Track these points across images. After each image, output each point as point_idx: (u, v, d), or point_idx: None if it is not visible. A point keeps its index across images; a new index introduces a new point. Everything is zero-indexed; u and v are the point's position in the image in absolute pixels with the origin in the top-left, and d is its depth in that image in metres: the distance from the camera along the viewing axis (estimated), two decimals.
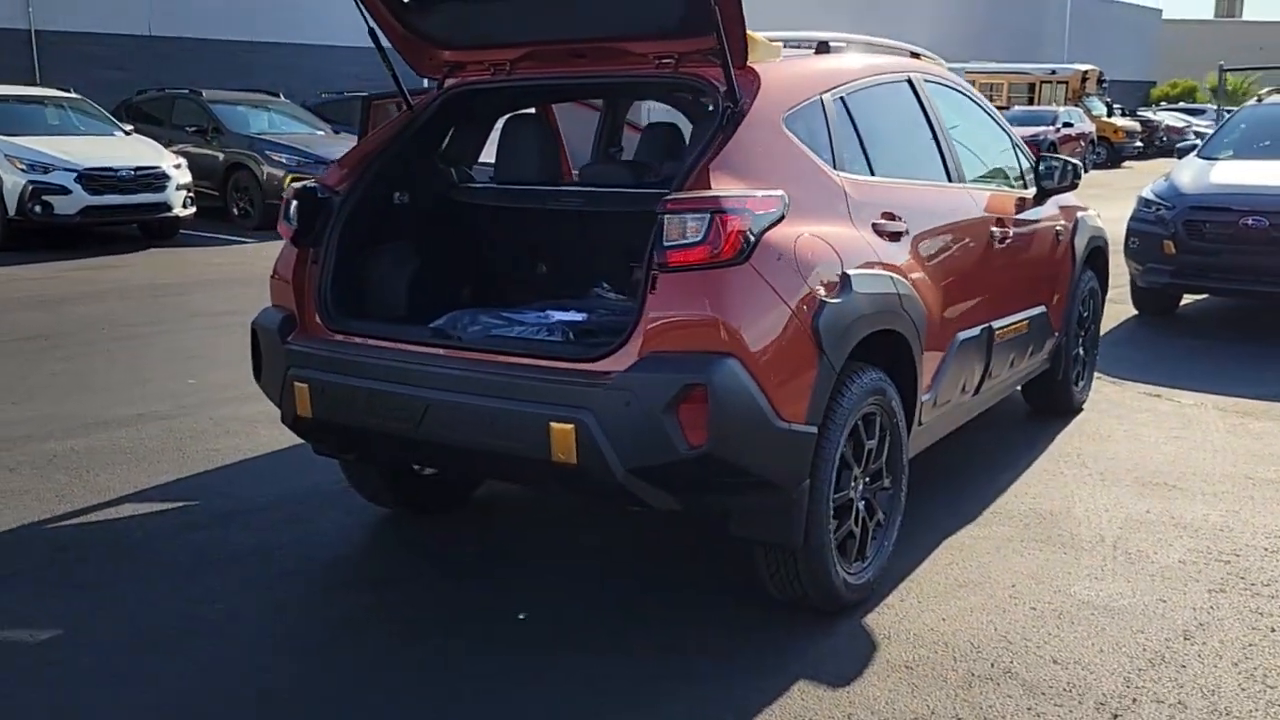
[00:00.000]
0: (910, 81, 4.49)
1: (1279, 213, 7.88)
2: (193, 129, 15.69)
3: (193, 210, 13.57)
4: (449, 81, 4.20)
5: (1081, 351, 6.06)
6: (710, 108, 3.76)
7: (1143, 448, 5.53)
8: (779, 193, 3.29)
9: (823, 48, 4.20)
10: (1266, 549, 4.22)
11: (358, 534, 4.52)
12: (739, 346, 3.10)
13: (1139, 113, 38.35)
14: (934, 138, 4.50)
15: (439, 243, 4.30)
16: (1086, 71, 32.79)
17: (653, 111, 5.76)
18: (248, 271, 11.43)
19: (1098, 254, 6.10)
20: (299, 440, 5.55)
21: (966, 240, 4.44)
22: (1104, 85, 34.56)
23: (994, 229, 4.66)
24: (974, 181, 4.76)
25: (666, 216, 3.12)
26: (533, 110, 4.64)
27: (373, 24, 4.04)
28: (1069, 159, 5.37)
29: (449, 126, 4.27)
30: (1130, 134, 32.19)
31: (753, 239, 3.15)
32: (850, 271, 3.44)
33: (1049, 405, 5.98)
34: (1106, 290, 6.41)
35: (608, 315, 3.91)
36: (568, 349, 3.40)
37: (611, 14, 3.71)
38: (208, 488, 4.97)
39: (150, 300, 9.69)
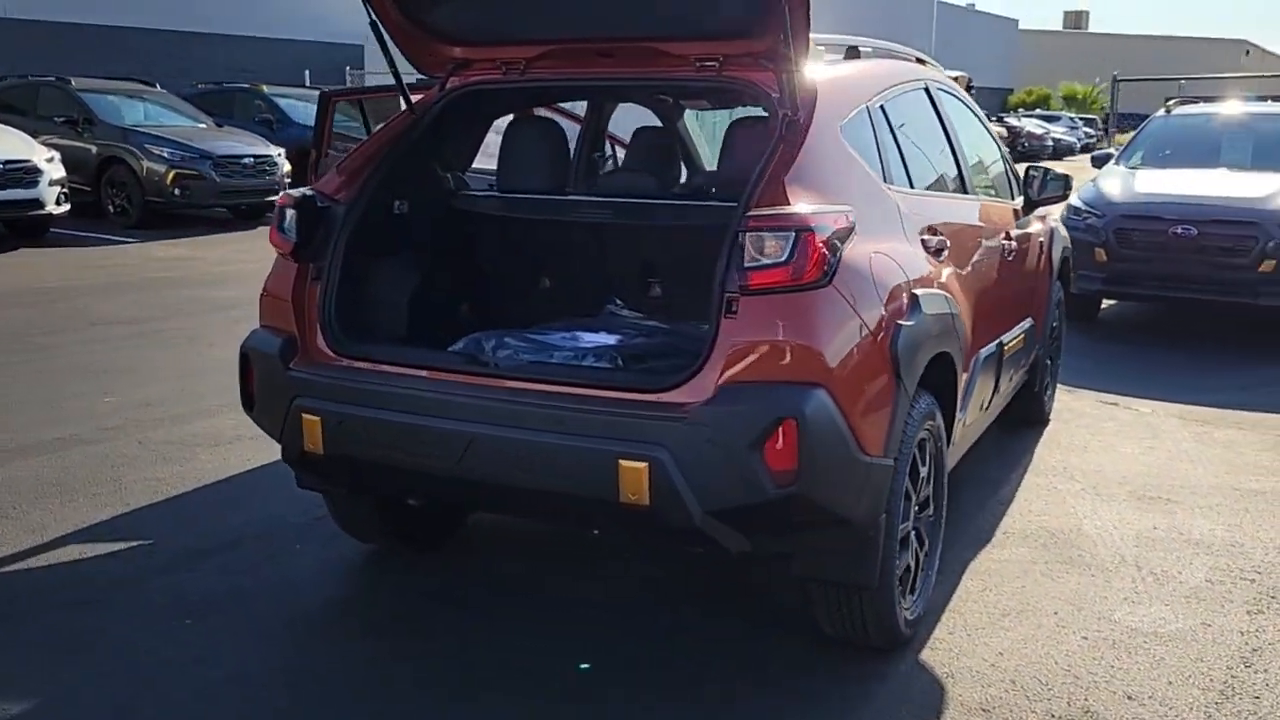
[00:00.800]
0: (927, 89, 4.34)
1: (1207, 222, 8.08)
2: (61, 119, 14.65)
3: (67, 207, 12.66)
4: (452, 81, 3.85)
5: (1049, 360, 6.04)
6: (748, 113, 3.54)
7: (1123, 460, 5.52)
8: (849, 208, 3.08)
9: (852, 52, 4.01)
10: None
11: (344, 571, 4.13)
12: (826, 376, 2.87)
13: (1005, 119, 39.67)
14: (951, 148, 4.36)
15: (441, 257, 3.95)
16: (957, 78, 33.63)
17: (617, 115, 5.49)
18: (138, 275, 10.69)
19: (1065, 264, 6.10)
20: (246, 466, 5.17)
21: (986, 254, 4.31)
22: (972, 91, 35.57)
23: (1004, 242, 4.56)
24: (982, 192, 4.65)
25: (748, 234, 2.87)
26: (544, 112, 4.32)
27: (373, 15, 3.66)
28: (1053, 169, 5.32)
29: (449, 130, 3.92)
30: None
31: (835, 259, 2.92)
32: (917, 291, 3.25)
33: (1022, 416, 5.94)
34: (1066, 299, 6.43)
35: (641, 338, 3.64)
36: (631, 378, 3.11)
37: (652, 12, 3.44)
38: (160, 523, 4.49)
39: (43, 306, 8.92)
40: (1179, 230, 8.12)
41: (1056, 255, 5.73)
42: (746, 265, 2.87)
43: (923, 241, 3.56)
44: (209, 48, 22.99)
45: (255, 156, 14.58)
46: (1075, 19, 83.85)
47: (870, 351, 2.99)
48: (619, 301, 4.10)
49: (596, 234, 4.01)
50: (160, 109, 15.55)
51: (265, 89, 17.79)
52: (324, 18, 23.98)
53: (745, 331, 2.88)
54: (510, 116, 4.20)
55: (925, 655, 3.48)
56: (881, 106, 3.73)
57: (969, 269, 4.00)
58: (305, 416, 3.29)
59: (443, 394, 3.14)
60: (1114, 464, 5.44)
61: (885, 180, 3.52)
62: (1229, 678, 3.36)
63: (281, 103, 17.33)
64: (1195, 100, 10.73)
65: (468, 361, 3.29)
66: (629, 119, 5.12)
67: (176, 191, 13.88)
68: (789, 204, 2.96)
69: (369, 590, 4.00)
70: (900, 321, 3.11)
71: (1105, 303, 9.56)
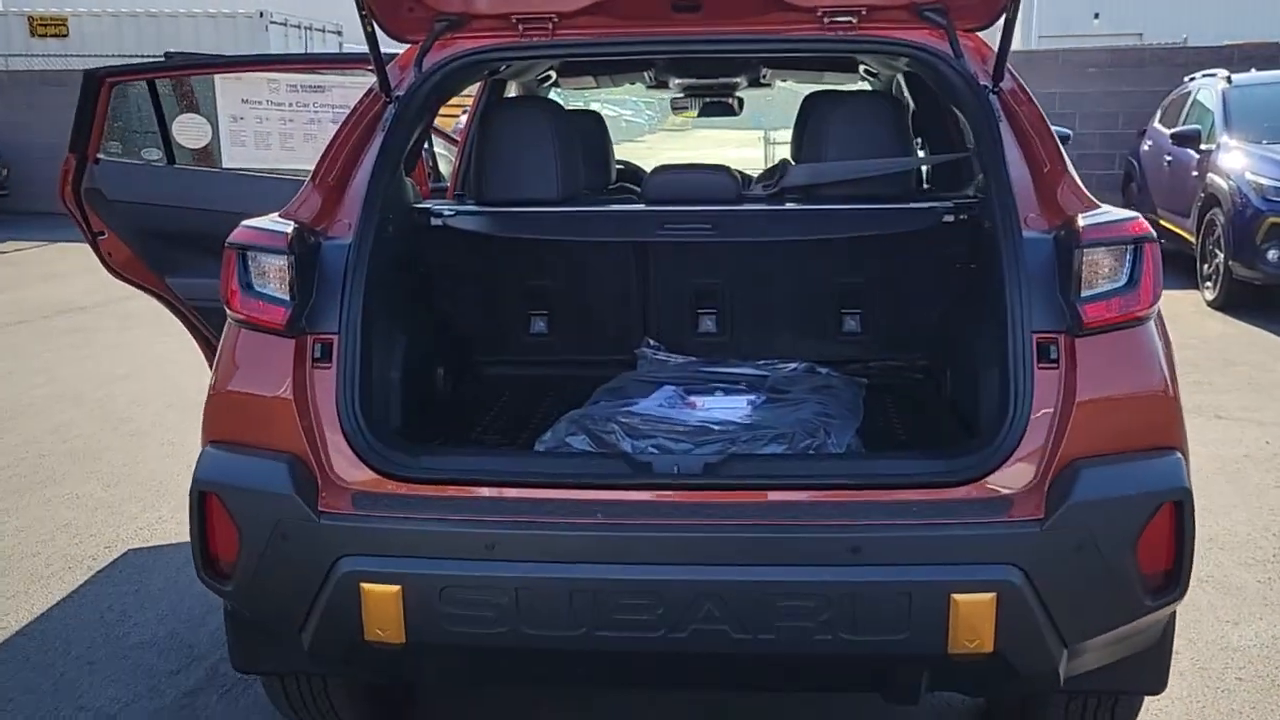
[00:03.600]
0: None
1: None
2: None
3: None
4: (435, 49, 2.62)
5: None
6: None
7: None
8: None
9: None
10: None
11: None
12: (1177, 435, 2.15)
13: None
14: None
15: (429, 300, 2.76)
16: None
17: None
18: None
19: None
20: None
21: None
22: None
23: None
24: None
25: (1085, 250, 2.06)
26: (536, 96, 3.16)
27: None
28: None
29: (420, 121, 2.70)
30: None
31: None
32: None
33: None
34: None
35: (765, 395, 2.68)
36: (919, 468, 2.16)
37: None
38: None
39: None
40: None
41: None
42: (1084, 295, 2.07)
43: None
44: None
45: None
46: None
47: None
48: (653, 342, 3.08)
49: (638, 255, 2.99)
50: None
51: None
52: None
53: (1086, 386, 2.08)
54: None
55: None
56: None
57: None
58: (368, 588, 2.04)
59: (625, 526, 2.04)
60: None
61: None
62: None
63: None
64: None
65: (637, 470, 2.16)
66: None
67: None
68: (1098, 206, 2.21)
69: None
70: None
71: None
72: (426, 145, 4.73)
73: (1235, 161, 8.56)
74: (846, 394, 2.73)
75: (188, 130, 3.85)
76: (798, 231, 2.83)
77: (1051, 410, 2.07)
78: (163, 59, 4.33)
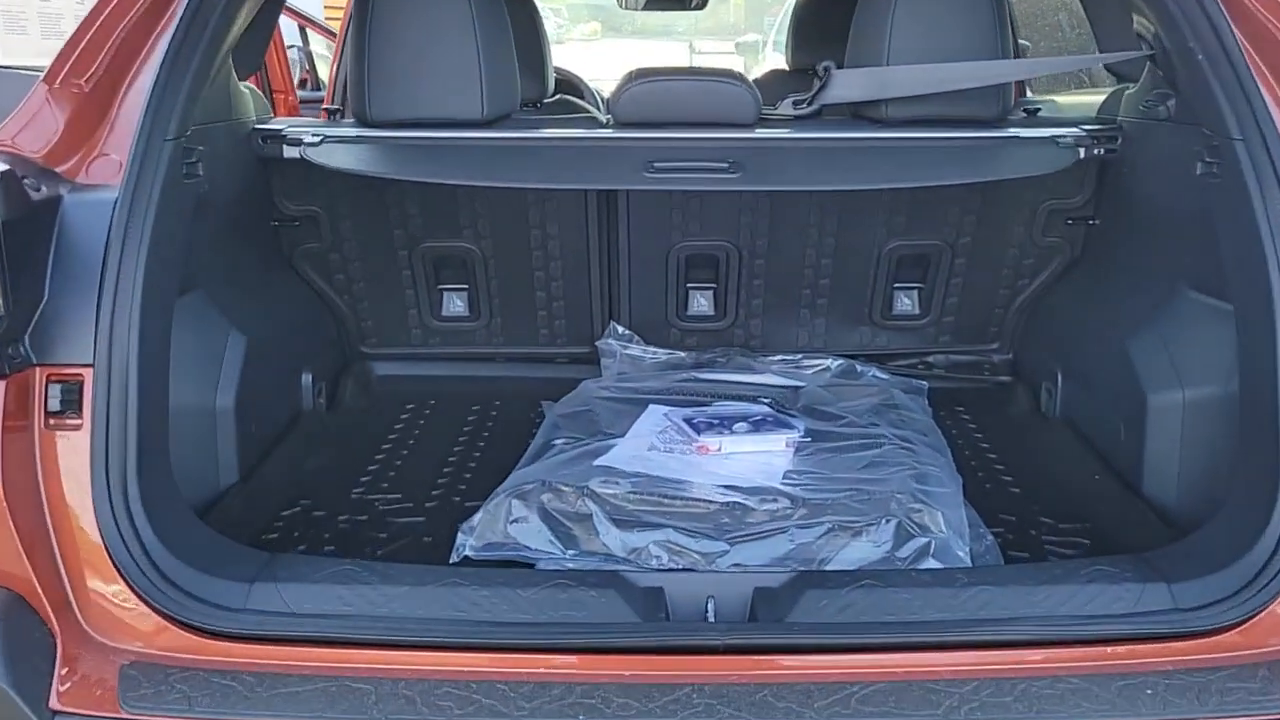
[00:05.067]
0: None
1: None
2: None
3: None
4: None
5: None
6: None
7: None
8: None
9: None
10: None
11: None
12: None
13: None
14: None
15: (277, 265, 1.83)
16: None
17: None
18: None
19: None
20: None
21: None
22: None
23: None
24: None
25: None
26: None
27: None
28: None
29: None
30: None
31: None
32: None
33: None
34: None
35: (813, 438, 1.78)
36: (1113, 600, 1.28)
37: None
38: None
39: None
40: None
41: None
42: None
43: None
44: None
45: None
46: None
47: None
48: (622, 330, 2.13)
49: (602, 202, 2.04)
50: None
51: None
52: None
53: None
54: None
55: None
56: None
57: None
58: None
59: None
60: None
61: None
62: None
63: None
64: None
65: (641, 614, 1.23)
66: None
67: None
68: None
69: None
70: None
71: None
72: (301, 45, 3.69)
73: None
74: (918, 415, 1.83)
75: None
76: (881, 175, 1.87)
77: None
78: None
